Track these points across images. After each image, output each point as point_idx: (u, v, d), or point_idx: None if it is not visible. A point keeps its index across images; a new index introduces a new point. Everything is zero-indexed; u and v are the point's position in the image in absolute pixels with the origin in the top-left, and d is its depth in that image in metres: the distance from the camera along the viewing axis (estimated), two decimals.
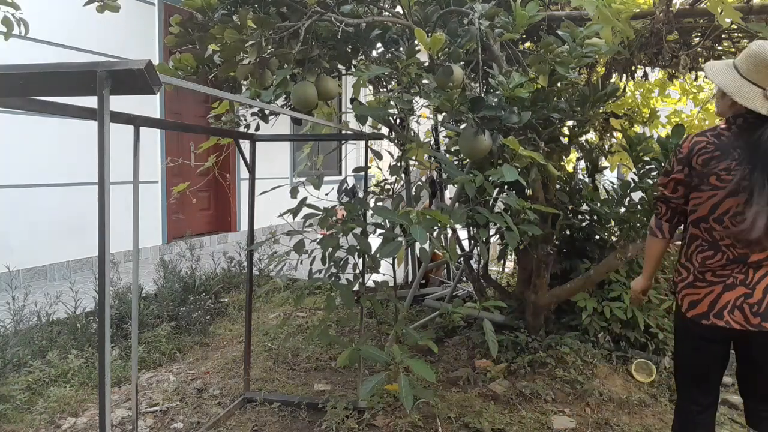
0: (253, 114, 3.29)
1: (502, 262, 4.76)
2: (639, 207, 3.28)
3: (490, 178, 2.26)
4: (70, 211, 5.16)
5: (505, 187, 2.98)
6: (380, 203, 3.23)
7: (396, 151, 3.69)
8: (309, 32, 2.58)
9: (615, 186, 3.72)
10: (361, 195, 3.34)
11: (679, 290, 1.94)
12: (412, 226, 1.93)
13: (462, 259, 4.09)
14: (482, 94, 2.46)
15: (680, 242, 1.99)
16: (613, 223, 3.60)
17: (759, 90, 1.75)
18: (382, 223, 2.34)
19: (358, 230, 2.54)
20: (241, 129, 3.41)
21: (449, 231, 3.87)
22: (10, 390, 2.88)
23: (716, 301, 1.81)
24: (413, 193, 3.39)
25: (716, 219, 1.79)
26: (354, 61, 3.18)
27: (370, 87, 3.88)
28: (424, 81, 2.53)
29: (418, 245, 2.04)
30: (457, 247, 4.30)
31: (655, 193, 1.99)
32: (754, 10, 2.87)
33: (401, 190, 4.16)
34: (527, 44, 3.65)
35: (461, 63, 2.49)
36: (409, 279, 5.10)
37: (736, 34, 3.51)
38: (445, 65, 2.35)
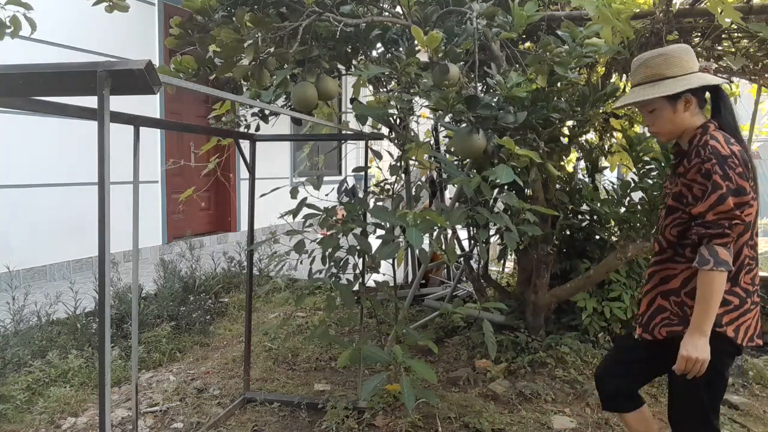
0: (253, 114, 3.29)
1: (502, 262, 4.76)
2: (639, 207, 3.28)
3: (489, 178, 2.26)
4: (70, 211, 5.16)
5: (505, 187, 2.98)
6: (380, 203, 3.23)
7: (396, 151, 3.69)
8: (308, 32, 2.58)
9: (615, 186, 3.73)
10: (361, 195, 3.34)
11: (730, 321, 1.68)
12: (408, 228, 1.93)
13: (462, 259, 4.09)
14: (478, 93, 2.46)
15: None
16: (613, 223, 3.60)
17: (700, 73, 1.76)
18: (382, 223, 2.34)
19: (358, 230, 2.54)
20: (241, 129, 3.42)
21: (449, 231, 3.88)
22: (10, 390, 2.88)
23: (757, 321, 1.76)
24: (413, 193, 3.39)
25: (755, 233, 1.74)
26: (354, 61, 3.18)
27: (370, 87, 3.88)
28: (423, 80, 2.53)
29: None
30: (457, 247, 4.30)
31: (734, 221, 1.59)
32: (754, 10, 2.87)
33: (401, 190, 4.16)
34: (527, 44, 3.65)
35: (460, 62, 2.49)
36: (409, 279, 5.10)
37: (736, 34, 3.51)
38: (441, 64, 2.35)
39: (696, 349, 1.62)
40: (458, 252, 4.17)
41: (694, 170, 1.64)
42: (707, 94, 1.79)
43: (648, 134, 3.45)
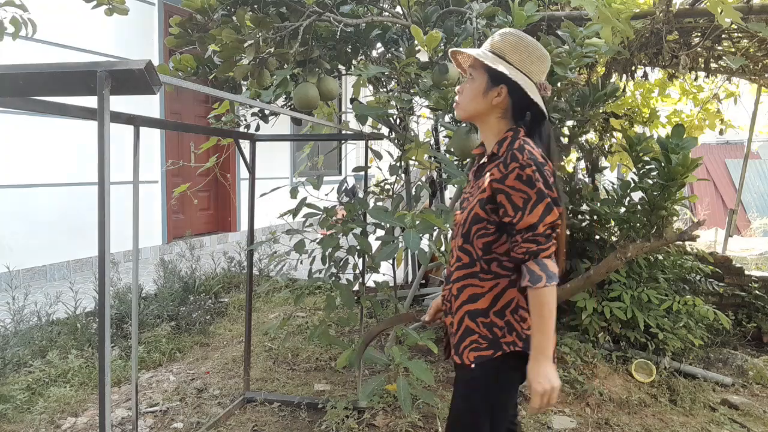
0: (253, 114, 3.30)
1: None
2: (639, 207, 3.28)
3: None
4: (70, 211, 5.16)
5: None
6: (380, 203, 3.23)
7: (396, 151, 3.69)
8: (308, 32, 2.58)
9: (615, 186, 3.73)
10: (361, 195, 3.34)
11: (525, 332, 1.56)
12: (406, 230, 1.93)
13: None
14: None
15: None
16: (613, 223, 3.60)
17: (533, 85, 1.54)
18: (382, 224, 2.34)
19: (358, 230, 2.54)
20: (241, 129, 3.42)
21: (449, 232, 3.87)
22: (10, 390, 2.88)
23: None
24: (413, 193, 3.39)
25: None
26: (354, 61, 3.18)
27: (370, 87, 3.88)
28: (423, 80, 2.53)
29: None
30: None
31: (556, 231, 1.46)
32: (754, 10, 2.88)
33: (401, 190, 4.16)
34: None
35: None
36: (409, 279, 5.10)
37: (736, 34, 3.51)
38: (440, 63, 2.35)
39: (547, 379, 1.44)
40: None
41: (513, 176, 1.42)
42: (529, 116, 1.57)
43: (643, 134, 3.45)
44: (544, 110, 1.54)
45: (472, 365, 1.52)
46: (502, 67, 1.50)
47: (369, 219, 2.69)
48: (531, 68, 1.54)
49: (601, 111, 3.48)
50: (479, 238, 1.52)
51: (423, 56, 2.74)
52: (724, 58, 3.72)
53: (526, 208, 1.42)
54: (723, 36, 3.50)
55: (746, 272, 4.27)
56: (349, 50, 3.09)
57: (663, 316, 3.40)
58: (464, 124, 2.44)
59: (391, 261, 3.68)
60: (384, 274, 3.33)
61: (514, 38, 1.54)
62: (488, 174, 1.49)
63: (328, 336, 2.78)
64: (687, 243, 3.91)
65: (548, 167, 1.47)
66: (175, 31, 2.78)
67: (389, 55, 3.05)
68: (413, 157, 3.20)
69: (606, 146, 4.19)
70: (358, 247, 2.54)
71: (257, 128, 3.31)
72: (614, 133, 4.24)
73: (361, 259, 2.79)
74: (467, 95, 1.58)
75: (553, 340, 1.47)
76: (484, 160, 1.59)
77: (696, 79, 4.41)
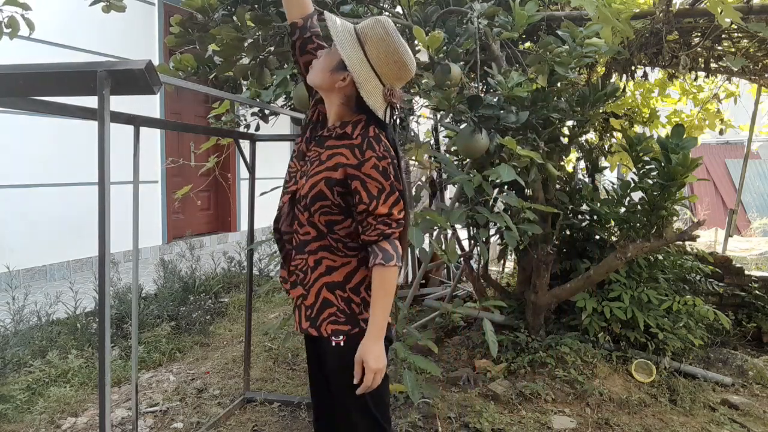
0: (253, 114, 3.30)
1: (502, 262, 4.76)
2: (639, 207, 3.28)
3: (489, 178, 2.26)
4: (70, 211, 5.16)
5: (505, 186, 2.98)
6: None
7: None
8: None
9: (615, 186, 3.73)
10: None
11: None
12: (409, 228, 1.93)
13: (462, 259, 4.09)
14: (480, 93, 2.46)
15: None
16: (613, 223, 3.60)
17: (380, 86, 1.49)
18: None
19: None
20: (241, 129, 3.42)
21: (449, 231, 3.87)
22: (10, 390, 2.88)
23: None
24: (413, 193, 3.39)
25: None
26: None
27: None
28: (424, 80, 2.53)
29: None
30: (457, 247, 4.30)
31: (398, 219, 1.50)
32: (754, 10, 2.88)
33: None
34: (527, 44, 3.66)
35: (461, 63, 2.49)
36: (409, 279, 5.10)
37: (736, 34, 3.51)
38: (443, 64, 2.35)
39: (378, 359, 1.44)
40: (458, 252, 4.16)
41: (370, 164, 1.45)
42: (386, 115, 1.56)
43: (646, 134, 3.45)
44: (380, 117, 1.50)
45: (334, 339, 1.51)
46: (347, 55, 1.44)
47: None
48: (383, 69, 1.48)
49: (601, 111, 3.48)
50: (322, 215, 1.51)
51: (423, 56, 2.74)
52: (724, 58, 3.72)
53: (380, 198, 1.46)
54: (723, 36, 3.50)
55: (746, 272, 4.27)
56: None
57: (663, 316, 3.40)
58: (466, 124, 2.44)
59: None
60: None
61: (382, 31, 1.45)
62: (338, 154, 1.49)
63: None
64: (687, 243, 3.91)
65: (396, 162, 1.51)
66: (175, 30, 2.77)
67: None
68: (413, 157, 3.20)
69: (606, 146, 4.19)
70: None
71: (257, 128, 3.31)
72: (614, 133, 4.24)
73: None
74: (318, 65, 1.54)
75: (387, 318, 1.49)
76: (327, 132, 1.55)
77: (696, 79, 4.42)
